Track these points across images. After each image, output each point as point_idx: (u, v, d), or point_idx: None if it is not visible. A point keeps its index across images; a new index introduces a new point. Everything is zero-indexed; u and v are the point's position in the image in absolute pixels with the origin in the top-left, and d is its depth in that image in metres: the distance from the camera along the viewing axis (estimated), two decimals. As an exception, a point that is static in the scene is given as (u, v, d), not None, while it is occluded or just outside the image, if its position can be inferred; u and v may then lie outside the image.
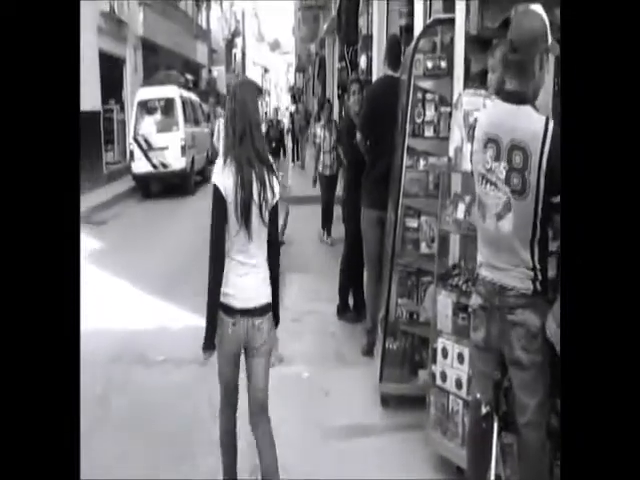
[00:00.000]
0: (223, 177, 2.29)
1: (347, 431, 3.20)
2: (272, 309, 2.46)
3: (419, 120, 3.44)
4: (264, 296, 2.38)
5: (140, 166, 12.05)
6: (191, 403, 3.64)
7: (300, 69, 28.57)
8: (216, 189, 2.29)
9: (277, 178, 2.41)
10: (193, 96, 14.52)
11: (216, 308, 2.32)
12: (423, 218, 3.47)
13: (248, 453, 2.99)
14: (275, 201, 2.36)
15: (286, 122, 16.99)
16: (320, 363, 4.06)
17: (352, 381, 3.75)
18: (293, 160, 16.35)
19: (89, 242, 8.26)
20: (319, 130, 7.83)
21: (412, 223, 3.48)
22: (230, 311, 2.31)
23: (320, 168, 7.71)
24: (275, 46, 59.19)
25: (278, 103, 37.70)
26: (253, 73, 36.81)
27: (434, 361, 2.80)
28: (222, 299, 2.32)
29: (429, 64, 3.37)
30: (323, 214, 7.71)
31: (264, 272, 2.39)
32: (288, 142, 14.02)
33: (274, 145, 11.12)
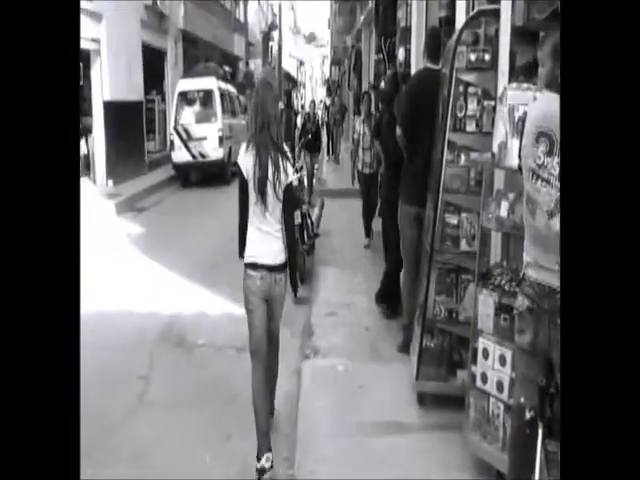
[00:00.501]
0: (245, 159, 2.85)
1: (382, 428, 3.16)
2: (290, 277, 3.03)
3: (460, 114, 3.36)
4: (282, 257, 2.93)
5: (180, 155, 12.30)
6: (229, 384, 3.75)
7: (336, 62, 28.35)
8: (239, 168, 2.87)
9: (291, 163, 2.93)
10: (231, 88, 14.65)
11: (244, 244, 2.94)
12: (463, 215, 3.38)
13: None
14: (289, 181, 2.88)
15: (320, 114, 16.89)
16: (355, 357, 4.03)
17: (387, 377, 3.71)
18: (328, 154, 16.29)
19: (130, 227, 8.50)
20: (358, 125, 7.30)
21: (452, 220, 3.40)
22: (257, 267, 2.89)
23: (360, 166, 7.16)
24: (311, 39, 58.97)
25: (313, 96, 37.55)
26: (289, 65, 36.77)
27: (474, 362, 2.73)
28: (250, 260, 2.90)
29: (472, 57, 3.28)
30: (364, 214, 7.09)
31: (280, 239, 2.92)
32: (323, 135, 13.95)
33: (310, 137, 11.05)
